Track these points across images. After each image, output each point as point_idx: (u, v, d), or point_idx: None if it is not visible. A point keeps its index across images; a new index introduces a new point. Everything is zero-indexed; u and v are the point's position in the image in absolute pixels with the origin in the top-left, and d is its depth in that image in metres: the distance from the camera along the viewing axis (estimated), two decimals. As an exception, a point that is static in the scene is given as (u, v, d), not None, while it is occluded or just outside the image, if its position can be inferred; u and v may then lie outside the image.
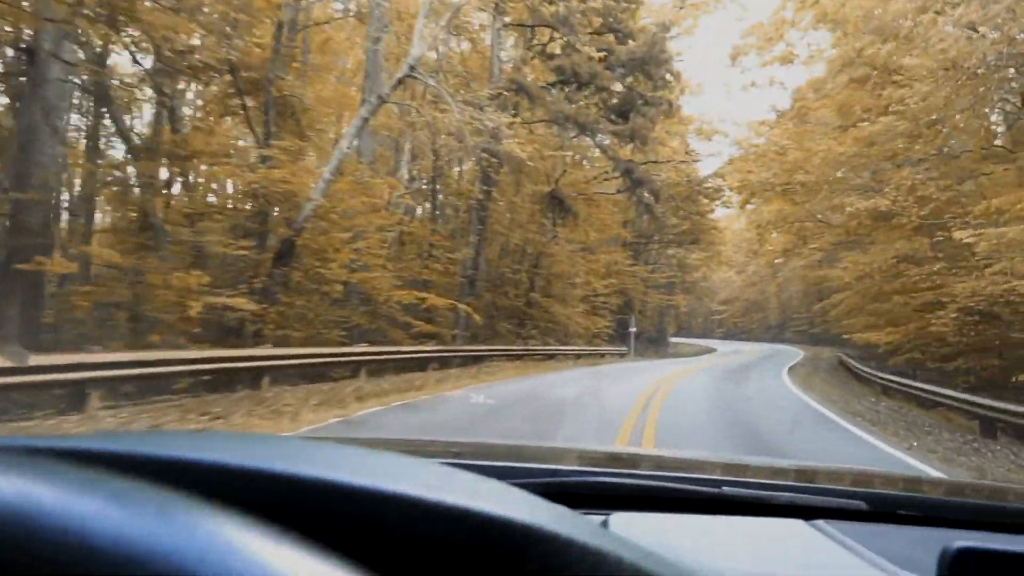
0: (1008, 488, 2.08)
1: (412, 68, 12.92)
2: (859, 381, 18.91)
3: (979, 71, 13.21)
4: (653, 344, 44.73)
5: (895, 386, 14.86)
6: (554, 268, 26.51)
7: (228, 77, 13.60)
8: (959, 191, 16.69)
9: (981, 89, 14.08)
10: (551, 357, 23.01)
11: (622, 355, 27.99)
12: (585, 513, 1.01)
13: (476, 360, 18.64)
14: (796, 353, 36.09)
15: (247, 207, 15.07)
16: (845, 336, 43.39)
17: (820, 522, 1.14)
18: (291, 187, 12.77)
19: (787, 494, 1.26)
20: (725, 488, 1.24)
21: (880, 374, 16.72)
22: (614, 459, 2.07)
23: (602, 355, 26.49)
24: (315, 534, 0.46)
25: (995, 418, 9.40)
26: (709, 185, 33.92)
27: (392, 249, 18.04)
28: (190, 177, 16.76)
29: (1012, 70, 13.69)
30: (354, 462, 0.61)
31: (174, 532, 0.34)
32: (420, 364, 16.05)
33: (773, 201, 43.01)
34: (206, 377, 10.10)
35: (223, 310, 11.51)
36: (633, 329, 28.37)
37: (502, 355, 20.41)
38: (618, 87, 20.77)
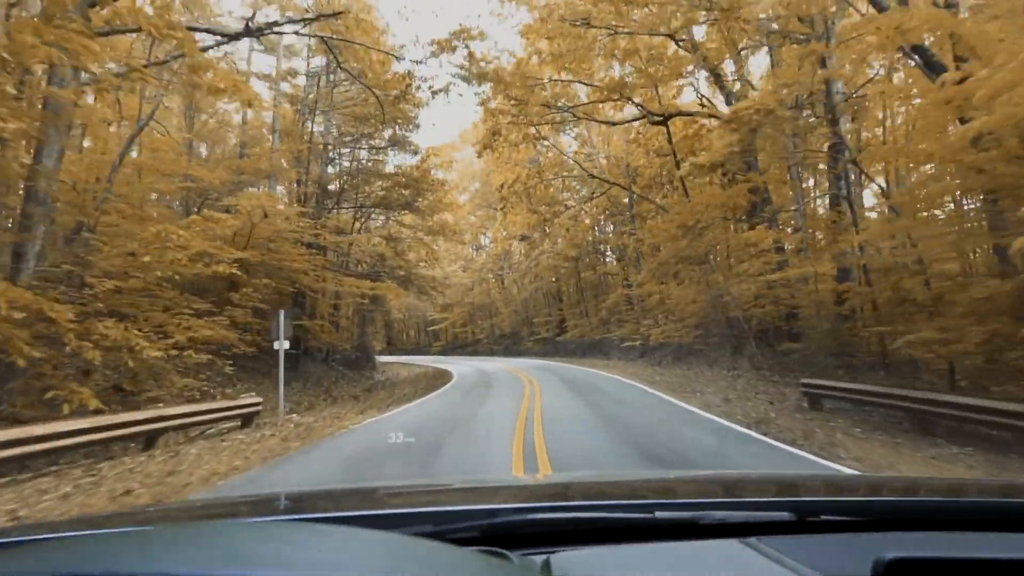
0: (920, 482, 2.34)
1: None
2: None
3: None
4: (352, 368, 28.00)
5: None
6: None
7: None
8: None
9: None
10: None
11: (251, 417, 10.40)
12: (524, 554, 1.03)
13: None
14: (618, 381, 18.28)
15: None
16: (624, 342, 32.06)
17: (753, 540, 1.14)
18: None
19: (718, 512, 1.25)
20: (658, 513, 1.24)
21: None
22: (548, 492, 1.90)
23: (150, 437, 8.66)
24: None
25: None
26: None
27: None
28: None
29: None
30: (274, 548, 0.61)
31: None
32: None
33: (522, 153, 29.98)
34: None
35: None
36: (282, 345, 11.03)
37: None
38: None
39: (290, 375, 21.78)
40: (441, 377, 24.77)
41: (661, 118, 22.25)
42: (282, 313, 10.99)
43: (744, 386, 14.37)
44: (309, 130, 21.90)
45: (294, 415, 11.34)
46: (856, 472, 6.01)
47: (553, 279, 44.12)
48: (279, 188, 22.15)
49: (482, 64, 19.19)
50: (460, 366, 31.57)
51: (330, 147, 22.33)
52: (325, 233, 18.11)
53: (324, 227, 19.74)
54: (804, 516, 1.25)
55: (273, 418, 10.73)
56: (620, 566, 1.04)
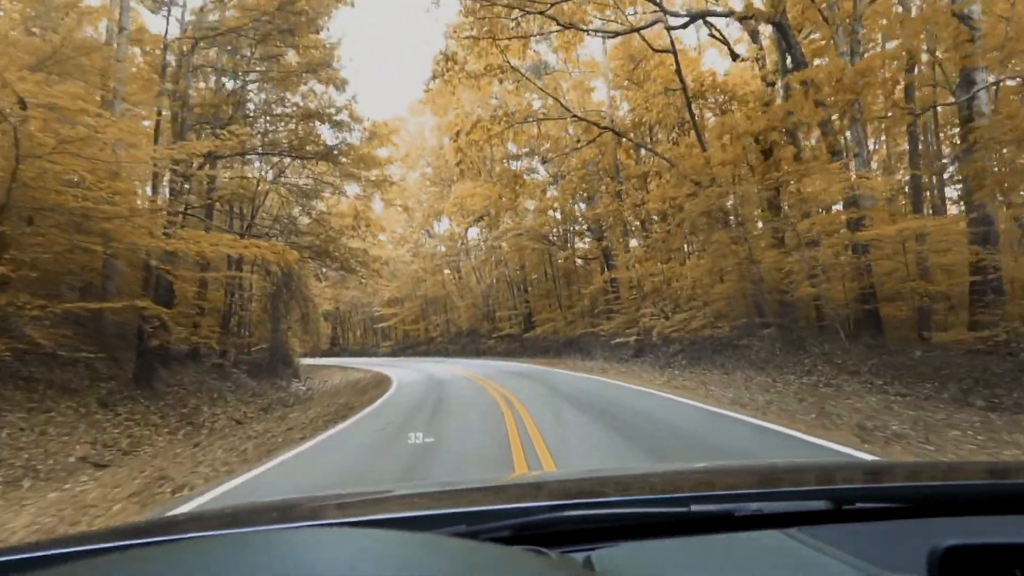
0: (959, 466, 2.39)
1: None
2: None
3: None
4: (261, 376, 20.67)
5: None
6: None
7: None
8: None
9: None
10: None
11: None
12: (564, 552, 1.00)
13: None
14: (683, 405, 9.99)
15: None
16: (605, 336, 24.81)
17: (794, 530, 1.10)
18: None
19: (754, 504, 1.20)
20: (693, 506, 1.20)
21: None
22: (582, 488, 1.81)
23: None
24: None
25: None
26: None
27: None
28: None
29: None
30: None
31: None
32: None
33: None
34: None
35: None
36: None
37: None
38: None
39: (133, 391, 14.40)
40: (375, 388, 17.75)
41: (684, 20, 15.70)
42: None
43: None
44: (165, 30, 14.57)
45: None
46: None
47: (518, 267, 37.35)
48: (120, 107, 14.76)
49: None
50: (405, 371, 24.53)
51: (199, 48, 15.00)
52: (169, 154, 10.82)
53: (181, 153, 12.43)
54: (843, 504, 1.18)
55: None
56: (662, 561, 1.02)
